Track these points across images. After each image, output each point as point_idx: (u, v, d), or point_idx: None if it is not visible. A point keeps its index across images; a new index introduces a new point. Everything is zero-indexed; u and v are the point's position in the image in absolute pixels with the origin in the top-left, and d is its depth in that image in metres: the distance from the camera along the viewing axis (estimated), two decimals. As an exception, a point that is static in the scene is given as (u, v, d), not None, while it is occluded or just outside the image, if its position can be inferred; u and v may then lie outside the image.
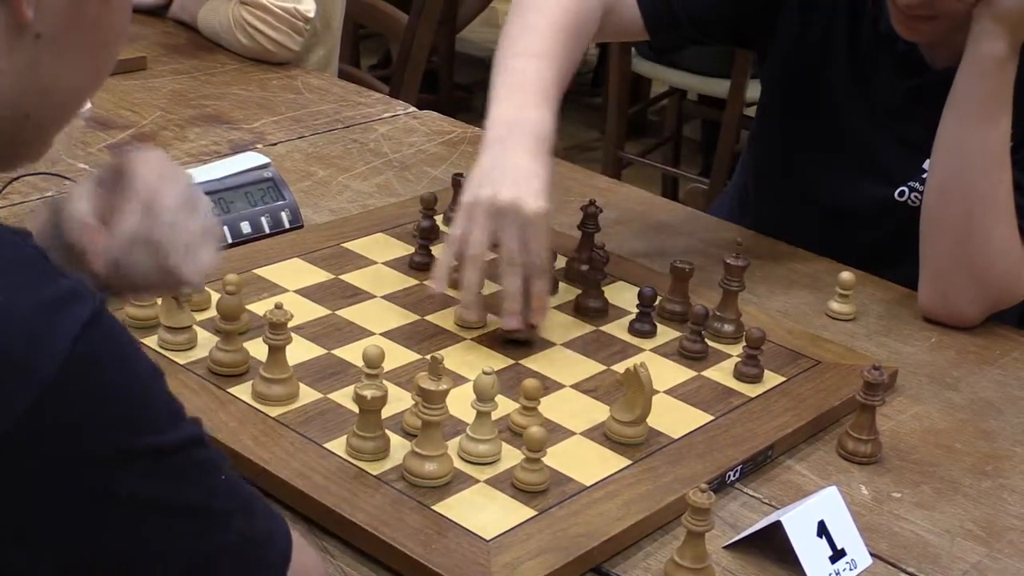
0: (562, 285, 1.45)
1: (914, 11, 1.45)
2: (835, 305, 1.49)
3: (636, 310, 1.38)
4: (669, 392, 1.27)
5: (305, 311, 1.34)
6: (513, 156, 1.35)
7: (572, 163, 1.94)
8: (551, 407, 1.20)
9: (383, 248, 1.50)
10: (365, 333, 1.32)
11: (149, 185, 0.98)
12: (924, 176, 1.52)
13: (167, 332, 1.25)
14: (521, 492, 1.09)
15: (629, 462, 1.15)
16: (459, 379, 1.22)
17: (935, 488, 1.20)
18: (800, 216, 1.68)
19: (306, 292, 1.38)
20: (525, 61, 1.45)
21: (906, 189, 1.58)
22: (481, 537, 1.03)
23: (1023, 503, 1.19)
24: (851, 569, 1.07)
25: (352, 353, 1.27)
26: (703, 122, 4.14)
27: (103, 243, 0.97)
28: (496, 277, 1.44)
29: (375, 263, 1.46)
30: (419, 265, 1.46)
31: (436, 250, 1.48)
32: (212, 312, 1.29)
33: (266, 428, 1.15)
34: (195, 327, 1.27)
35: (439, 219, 1.55)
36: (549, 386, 1.25)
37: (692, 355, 1.34)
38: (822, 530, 1.07)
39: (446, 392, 1.08)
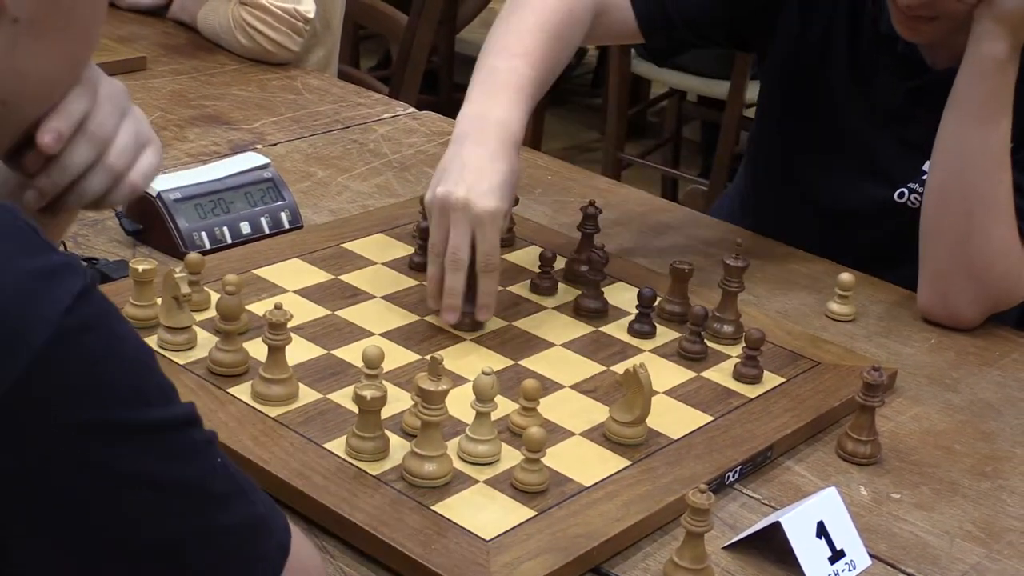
0: (561, 286, 1.45)
1: (915, 12, 1.45)
2: (834, 306, 1.49)
3: (636, 311, 1.38)
4: (668, 393, 1.27)
5: (305, 311, 1.34)
6: (473, 153, 1.34)
7: (572, 164, 1.94)
8: (550, 408, 1.20)
9: (383, 248, 1.50)
10: (365, 333, 1.32)
11: (84, 91, 0.94)
12: (924, 177, 1.52)
13: (167, 332, 1.25)
14: (520, 492, 1.09)
15: (628, 463, 1.15)
16: (459, 379, 1.22)
17: (934, 489, 1.20)
18: (800, 217, 1.68)
19: (306, 292, 1.38)
20: (504, 60, 1.44)
21: (906, 190, 1.58)
22: (480, 537, 1.03)
23: (1022, 504, 1.19)
24: (850, 570, 1.07)
25: (352, 353, 1.27)
26: (703, 123, 4.14)
27: (49, 124, 0.92)
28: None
29: (375, 263, 1.46)
30: (419, 265, 1.45)
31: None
32: (212, 312, 1.29)
33: (266, 428, 1.15)
34: (195, 327, 1.27)
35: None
36: (548, 387, 1.25)
37: (691, 356, 1.34)
38: (821, 531, 1.07)
39: (446, 392, 1.08)
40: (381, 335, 1.32)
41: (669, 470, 1.15)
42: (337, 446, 1.13)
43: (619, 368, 1.28)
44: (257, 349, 1.22)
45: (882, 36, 1.55)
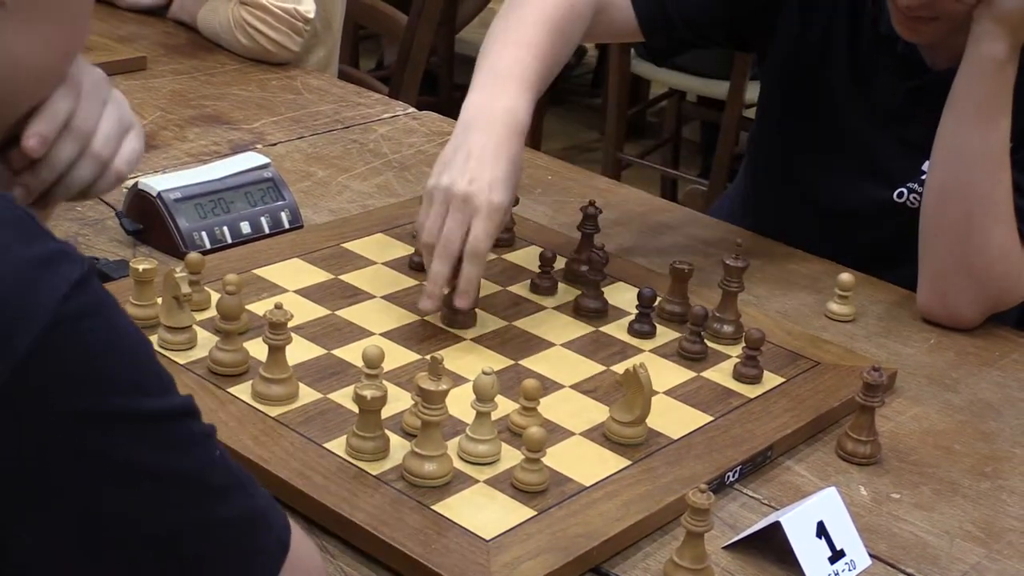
0: (561, 286, 1.45)
1: (915, 12, 1.45)
2: (834, 306, 1.50)
3: (635, 311, 1.38)
4: (668, 393, 1.27)
5: (305, 311, 1.34)
6: (478, 143, 1.33)
7: (571, 164, 1.94)
8: (550, 407, 1.20)
9: (383, 248, 1.50)
10: (365, 333, 1.32)
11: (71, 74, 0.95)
12: (923, 177, 1.52)
13: (167, 332, 1.25)
14: (521, 492, 1.09)
15: (628, 462, 1.15)
16: (459, 379, 1.22)
17: (934, 489, 1.20)
18: (799, 217, 1.68)
19: (306, 292, 1.38)
20: (508, 51, 1.44)
21: (905, 190, 1.58)
22: (481, 537, 1.03)
23: (1022, 504, 1.19)
24: (850, 570, 1.07)
25: (352, 353, 1.27)
26: (702, 123, 4.14)
27: (33, 128, 0.93)
28: (493, 276, 1.45)
29: (375, 263, 1.46)
30: (419, 265, 1.46)
31: (436, 250, 1.48)
32: (212, 312, 1.29)
33: (266, 428, 1.15)
34: (195, 327, 1.27)
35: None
36: (548, 386, 1.25)
37: (691, 356, 1.34)
38: (821, 531, 1.07)
39: (446, 392, 1.08)
40: (381, 335, 1.32)
41: (669, 470, 1.15)
42: (337, 446, 1.13)
43: (619, 368, 1.28)
44: (257, 349, 1.22)
45: (882, 36, 1.55)
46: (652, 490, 1.12)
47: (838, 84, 1.61)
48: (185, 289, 1.24)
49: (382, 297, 1.39)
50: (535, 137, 3.82)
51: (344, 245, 1.49)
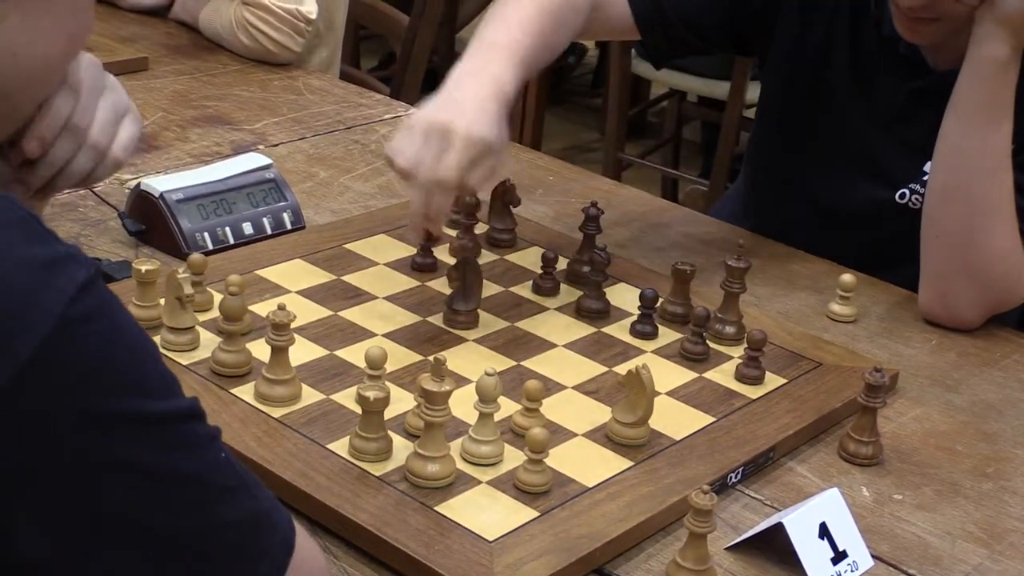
0: (563, 286, 1.45)
1: (916, 13, 1.45)
2: (836, 307, 1.50)
3: (637, 311, 1.38)
4: (670, 394, 1.27)
5: (307, 312, 1.34)
6: (466, 95, 1.33)
7: (572, 164, 1.94)
8: (553, 408, 1.20)
9: (385, 249, 1.50)
10: (367, 334, 1.32)
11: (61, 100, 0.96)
12: (925, 178, 1.52)
13: (170, 333, 1.25)
14: (523, 493, 1.10)
15: (631, 463, 1.15)
16: (461, 380, 1.22)
17: (936, 490, 1.20)
18: (801, 218, 1.68)
19: (308, 293, 1.39)
20: (502, 29, 1.44)
21: (907, 191, 1.58)
22: (483, 538, 1.04)
23: (1024, 505, 1.20)
24: (853, 571, 1.07)
25: (354, 354, 1.27)
26: (703, 124, 4.14)
27: (35, 132, 0.95)
28: (495, 277, 1.45)
29: (377, 264, 1.46)
30: (421, 266, 1.46)
31: (438, 251, 1.48)
32: (215, 313, 1.29)
33: (269, 429, 1.15)
34: (198, 328, 1.27)
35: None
36: (551, 387, 1.25)
37: (693, 357, 1.34)
38: (824, 532, 1.07)
39: (449, 393, 1.08)
40: (384, 336, 1.32)
41: (671, 471, 1.15)
42: (340, 447, 1.13)
43: (621, 369, 1.28)
44: (260, 350, 1.22)
45: (884, 38, 1.55)
46: (655, 491, 1.12)
47: (840, 85, 1.61)
48: (188, 290, 1.24)
49: (384, 298, 1.39)
50: (535, 137, 3.82)
51: (346, 246, 1.50)
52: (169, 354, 1.24)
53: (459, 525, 1.05)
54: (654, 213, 1.75)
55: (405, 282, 1.43)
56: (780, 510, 1.13)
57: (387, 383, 1.13)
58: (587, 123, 4.68)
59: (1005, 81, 1.42)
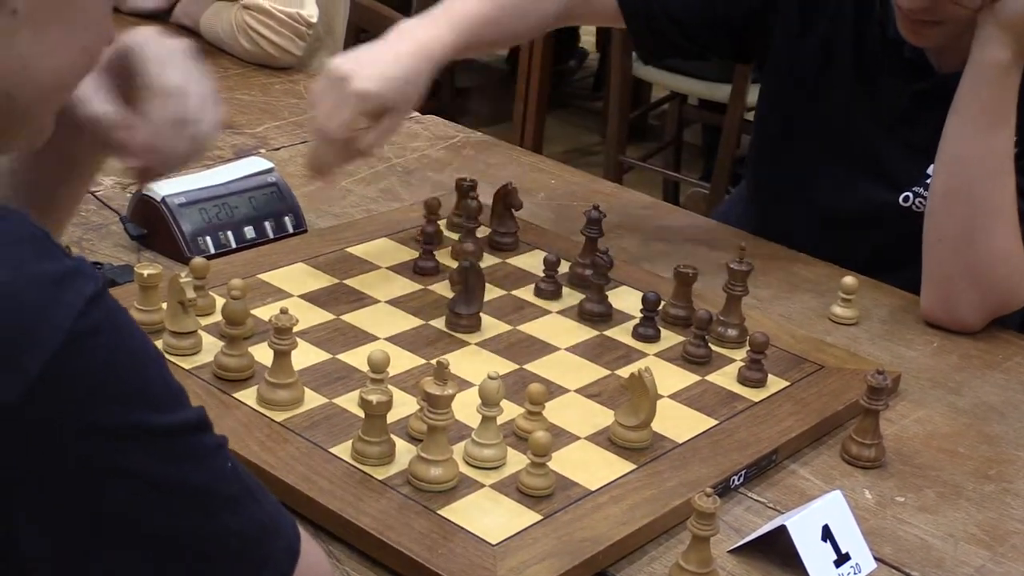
0: (565, 290, 1.45)
1: (917, 16, 1.45)
2: (838, 310, 1.50)
3: (640, 315, 1.38)
4: (673, 397, 1.27)
5: (310, 316, 1.34)
6: (379, 49, 1.41)
7: (573, 167, 1.94)
8: (556, 412, 1.21)
9: (387, 253, 1.50)
10: (370, 338, 1.32)
11: (165, 65, 1.01)
12: (928, 181, 1.52)
13: (172, 337, 1.25)
14: (526, 496, 1.10)
15: (634, 466, 1.15)
16: (464, 384, 1.22)
17: (938, 492, 1.20)
18: (803, 221, 1.68)
19: (310, 297, 1.39)
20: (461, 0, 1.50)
21: (910, 194, 1.58)
22: (487, 541, 1.04)
23: (1026, 507, 1.20)
24: (855, 573, 1.07)
25: (357, 358, 1.27)
26: (704, 126, 4.14)
27: (141, 136, 1.00)
28: (497, 281, 1.46)
29: (379, 268, 1.47)
30: (423, 270, 1.46)
31: (440, 255, 1.48)
32: (217, 317, 1.29)
33: (271, 433, 1.15)
34: (200, 332, 1.27)
35: (443, 224, 1.56)
36: (553, 391, 1.25)
37: (696, 360, 1.34)
38: (826, 534, 1.07)
39: (452, 397, 1.08)
40: (386, 339, 1.32)
41: (674, 474, 1.15)
42: (343, 450, 1.13)
43: (624, 372, 1.28)
44: (262, 354, 1.22)
45: (888, 40, 1.55)
46: (657, 494, 1.12)
47: (843, 87, 1.61)
48: (190, 294, 1.25)
49: (387, 302, 1.39)
50: (536, 141, 3.82)
51: (348, 250, 1.50)
52: (171, 358, 1.24)
53: (462, 529, 1.05)
54: (656, 216, 1.76)
55: (407, 286, 1.43)
56: (783, 513, 1.14)
57: (390, 387, 1.13)
58: (588, 126, 4.69)
59: (1007, 85, 1.42)
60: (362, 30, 3.56)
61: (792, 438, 1.23)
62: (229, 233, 1.50)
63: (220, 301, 1.30)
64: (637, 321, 1.38)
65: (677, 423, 1.22)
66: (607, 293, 1.42)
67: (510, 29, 1.55)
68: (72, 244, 1.48)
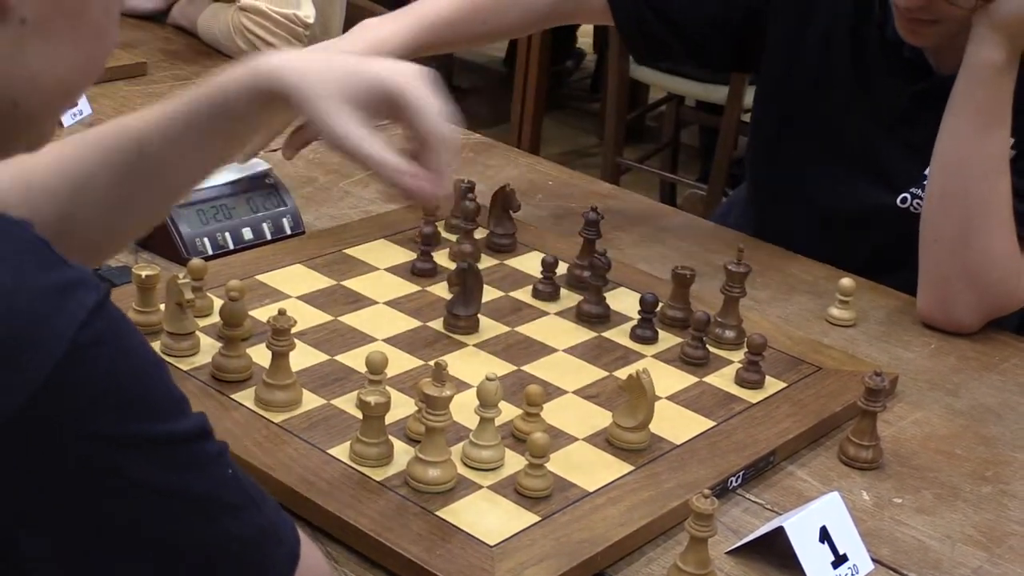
0: (563, 291, 1.45)
1: (914, 15, 1.45)
2: (835, 311, 1.50)
3: (638, 316, 1.38)
4: (671, 398, 1.27)
5: (307, 317, 1.34)
6: (343, 44, 1.49)
7: (570, 169, 1.94)
8: (553, 413, 1.21)
9: (385, 254, 1.50)
10: (368, 339, 1.32)
11: (433, 113, 1.03)
12: (926, 183, 1.53)
13: (170, 338, 1.25)
14: (524, 498, 1.10)
15: (632, 468, 1.16)
16: (462, 385, 1.22)
17: (936, 494, 1.21)
18: (801, 221, 1.69)
19: (308, 298, 1.39)
20: None
21: (908, 196, 1.58)
22: (485, 543, 1.04)
23: (1023, 508, 1.20)
24: (853, 574, 1.07)
25: (355, 359, 1.27)
26: (701, 128, 4.14)
27: (431, 187, 1.03)
28: (495, 282, 1.45)
29: (377, 269, 1.47)
30: (421, 271, 1.46)
31: (438, 256, 1.48)
32: (215, 318, 1.29)
33: (269, 434, 1.15)
34: (198, 333, 1.27)
35: (441, 225, 1.56)
36: (551, 392, 1.25)
37: (694, 361, 1.34)
38: (824, 536, 1.07)
39: (450, 398, 1.08)
40: (384, 340, 1.32)
41: (672, 475, 1.15)
42: (341, 452, 1.13)
43: (621, 373, 1.28)
44: (260, 355, 1.22)
45: (887, 41, 1.55)
46: (655, 495, 1.12)
47: (841, 88, 1.61)
48: (188, 295, 1.24)
49: (385, 303, 1.39)
50: (534, 142, 3.83)
51: (346, 251, 1.50)
52: (169, 359, 1.24)
53: (460, 530, 1.05)
54: (653, 217, 1.76)
55: (405, 287, 1.43)
56: (780, 514, 1.14)
57: (388, 388, 1.13)
58: (585, 128, 4.69)
59: (1001, 85, 1.42)
60: (359, 31, 3.57)
61: (790, 439, 1.23)
62: (227, 234, 1.50)
63: (218, 302, 1.30)
64: (635, 322, 1.39)
65: (675, 424, 1.22)
66: (605, 294, 1.42)
67: (483, 29, 1.59)
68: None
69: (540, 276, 1.45)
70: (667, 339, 1.38)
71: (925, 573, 1.10)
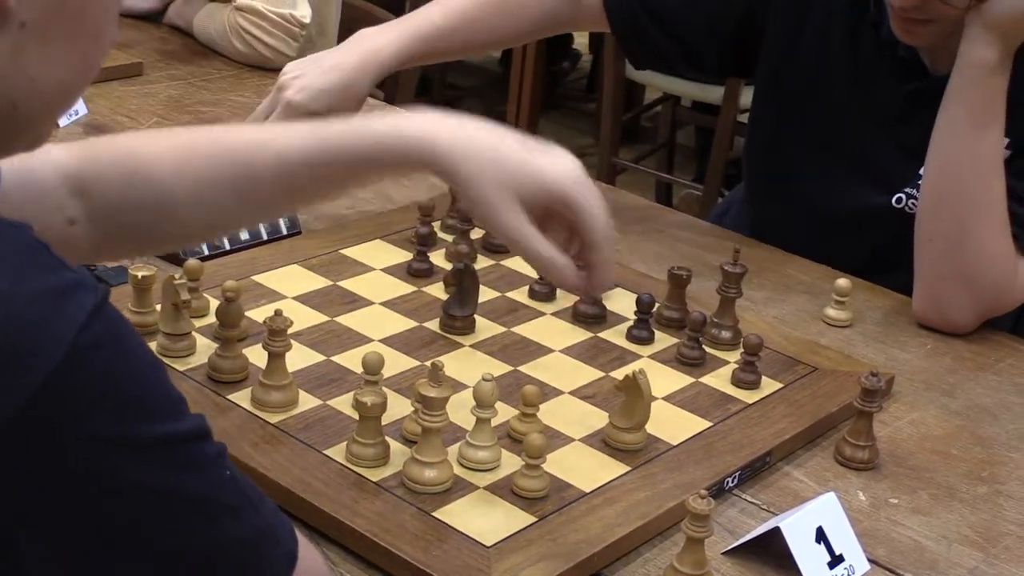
0: (559, 291, 1.45)
1: (908, 14, 1.45)
2: (832, 312, 1.50)
3: (634, 317, 1.38)
4: (667, 398, 1.27)
5: (304, 318, 1.34)
6: (330, 58, 1.54)
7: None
8: (550, 413, 1.21)
9: (381, 254, 1.50)
10: (364, 340, 1.32)
11: (600, 216, 1.06)
12: (921, 183, 1.53)
13: (166, 339, 1.25)
14: (521, 498, 1.10)
15: (628, 468, 1.16)
16: (459, 386, 1.22)
17: (932, 494, 1.21)
18: (797, 221, 1.69)
19: (304, 299, 1.39)
20: (428, 7, 1.60)
21: (903, 196, 1.58)
22: (481, 543, 1.04)
23: (1019, 508, 1.20)
24: (849, 575, 1.07)
25: (351, 360, 1.27)
26: (697, 128, 4.15)
27: (597, 285, 1.08)
28: (491, 283, 1.45)
29: (373, 269, 1.47)
30: (417, 271, 1.46)
31: (435, 256, 1.48)
32: (211, 319, 1.29)
33: (266, 435, 1.15)
34: (194, 334, 1.27)
35: (437, 225, 1.56)
36: (548, 392, 1.25)
37: (690, 362, 1.34)
38: (820, 536, 1.07)
39: (446, 399, 1.08)
40: (380, 341, 1.32)
41: (668, 476, 1.15)
42: (337, 452, 1.13)
43: (618, 374, 1.28)
44: (257, 355, 1.22)
45: (883, 41, 1.55)
46: (652, 496, 1.12)
47: (837, 88, 1.61)
48: (184, 296, 1.24)
49: (381, 303, 1.39)
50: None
51: (343, 251, 1.50)
52: (165, 360, 1.24)
53: (457, 530, 1.05)
54: (649, 218, 1.76)
55: (402, 287, 1.43)
56: (777, 514, 1.14)
57: (384, 388, 1.13)
58: (581, 128, 4.69)
59: (994, 85, 1.42)
60: (353, 31, 3.57)
61: (786, 440, 1.23)
62: (223, 235, 1.50)
63: (214, 303, 1.30)
64: (631, 323, 1.39)
65: (671, 425, 1.23)
66: (601, 295, 1.42)
67: (478, 36, 1.59)
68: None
69: (536, 276, 1.45)
70: (663, 339, 1.38)
71: (921, 573, 1.10)
